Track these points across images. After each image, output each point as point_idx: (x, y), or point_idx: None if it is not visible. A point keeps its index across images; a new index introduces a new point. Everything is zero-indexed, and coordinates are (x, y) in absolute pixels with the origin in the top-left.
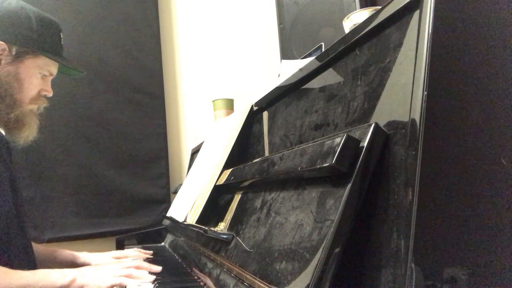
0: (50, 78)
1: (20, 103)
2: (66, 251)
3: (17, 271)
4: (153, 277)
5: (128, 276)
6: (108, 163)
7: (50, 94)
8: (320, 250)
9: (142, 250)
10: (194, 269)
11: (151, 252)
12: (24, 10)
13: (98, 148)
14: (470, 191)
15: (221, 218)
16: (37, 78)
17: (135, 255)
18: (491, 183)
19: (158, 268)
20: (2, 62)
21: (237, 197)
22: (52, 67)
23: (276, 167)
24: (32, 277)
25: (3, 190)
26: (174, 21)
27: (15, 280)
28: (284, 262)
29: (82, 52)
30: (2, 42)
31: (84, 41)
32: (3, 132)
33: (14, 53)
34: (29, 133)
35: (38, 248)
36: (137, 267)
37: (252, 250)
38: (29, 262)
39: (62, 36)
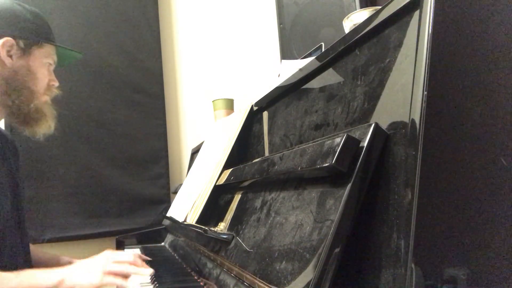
0: (53, 67)
1: (36, 94)
2: (68, 259)
3: (2, 273)
4: (148, 272)
5: (120, 273)
6: (108, 163)
7: (57, 84)
8: (320, 250)
9: (142, 256)
10: (194, 269)
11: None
12: (18, 5)
13: (98, 148)
14: (470, 191)
15: (221, 218)
16: (45, 68)
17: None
18: (491, 183)
19: (148, 271)
20: (14, 57)
21: (237, 197)
22: (54, 55)
23: (276, 167)
24: (14, 279)
25: (4, 194)
26: (174, 21)
27: (1, 283)
28: (284, 262)
29: (82, 52)
30: (9, 38)
31: (84, 41)
32: (26, 130)
33: (22, 46)
34: (49, 123)
35: (41, 253)
36: (132, 263)
37: (252, 250)
38: (26, 267)
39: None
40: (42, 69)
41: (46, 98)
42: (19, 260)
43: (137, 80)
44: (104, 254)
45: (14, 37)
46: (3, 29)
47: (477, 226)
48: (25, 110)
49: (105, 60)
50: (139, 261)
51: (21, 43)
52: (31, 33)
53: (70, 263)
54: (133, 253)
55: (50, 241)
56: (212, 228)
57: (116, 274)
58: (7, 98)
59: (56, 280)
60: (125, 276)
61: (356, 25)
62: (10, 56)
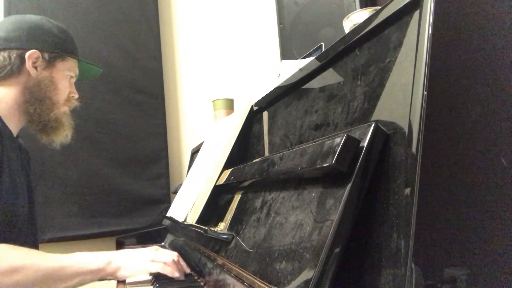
0: (74, 80)
1: (57, 104)
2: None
3: (53, 254)
4: (182, 275)
5: (164, 265)
6: (108, 163)
7: (77, 96)
8: (320, 250)
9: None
10: (194, 269)
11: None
12: (45, 20)
13: (98, 148)
14: (470, 191)
15: (221, 218)
16: (67, 80)
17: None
18: (491, 183)
19: (187, 270)
20: (38, 68)
21: (237, 197)
22: (76, 69)
23: (276, 167)
24: (67, 260)
25: (22, 194)
26: (174, 21)
27: (50, 261)
28: (284, 262)
29: (82, 52)
30: (36, 50)
31: (84, 41)
32: (44, 138)
33: (47, 58)
34: (67, 132)
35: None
36: (175, 262)
37: (252, 250)
38: None
39: None
40: (64, 81)
41: (65, 109)
42: None
43: (137, 80)
44: (149, 248)
45: (40, 50)
46: (31, 42)
47: (477, 226)
48: (45, 119)
49: (105, 60)
50: (181, 260)
51: (46, 56)
52: (56, 47)
53: None
54: (176, 254)
55: (50, 241)
56: (212, 228)
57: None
58: (29, 106)
59: (105, 261)
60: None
61: (356, 25)
62: (35, 68)
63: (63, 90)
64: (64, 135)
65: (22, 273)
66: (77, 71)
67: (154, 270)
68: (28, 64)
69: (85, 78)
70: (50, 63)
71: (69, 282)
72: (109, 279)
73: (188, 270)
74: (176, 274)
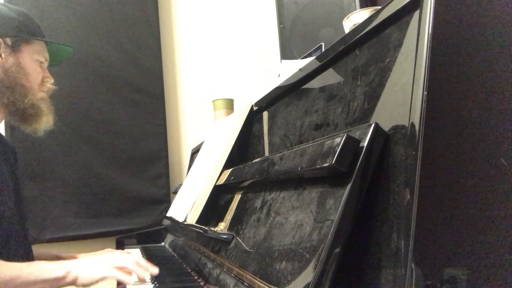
0: (46, 65)
1: (30, 90)
2: (68, 254)
3: (12, 263)
4: (148, 274)
5: (123, 269)
6: (108, 163)
7: (52, 80)
8: (320, 250)
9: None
10: (194, 269)
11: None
12: (1, 5)
13: (98, 148)
14: (469, 191)
15: (221, 218)
16: (37, 64)
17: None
18: (490, 183)
19: (155, 270)
20: (3, 55)
21: (237, 197)
22: (45, 52)
23: (276, 167)
24: (25, 269)
25: (8, 193)
26: (174, 21)
27: (8, 269)
28: (284, 262)
29: (82, 52)
30: None
31: (84, 41)
32: (27, 129)
33: (9, 44)
34: (48, 119)
35: (42, 251)
36: (136, 263)
37: (252, 250)
38: None
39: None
40: (34, 66)
41: (41, 95)
42: (22, 257)
43: (137, 80)
44: (108, 251)
45: (1, 36)
46: None
47: (477, 226)
48: (20, 106)
49: (105, 60)
50: (143, 261)
51: (9, 41)
52: (17, 31)
53: (72, 258)
54: (136, 254)
55: (50, 241)
56: (212, 228)
57: (121, 269)
58: (2, 96)
59: (64, 271)
60: (129, 272)
61: (356, 25)
62: (0, 55)
63: (35, 75)
64: (46, 121)
65: None
66: (46, 54)
67: (112, 276)
68: None
69: (59, 62)
70: (14, 48)
71: None
72: None
73: (155, 270)
74: (130, 279)
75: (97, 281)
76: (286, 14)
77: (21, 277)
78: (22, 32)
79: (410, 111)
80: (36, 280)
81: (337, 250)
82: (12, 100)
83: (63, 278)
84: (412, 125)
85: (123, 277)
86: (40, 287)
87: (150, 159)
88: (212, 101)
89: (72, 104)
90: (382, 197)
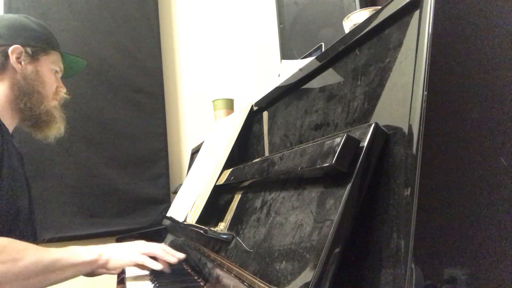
0: (60, 75)
1: (46, 97)
2: None
3: (49, 248)
4: (175, 259)
5: (152, 254)
6: (108, 163)
7: (65, 90)
8: (320, 250)
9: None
10: (194, 269)
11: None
12: (24, 17)
13: (98, 148)
14: (470, 191)
15: (221, 218)
16: (52, 73)
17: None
18: (491, 183)
19: (182, 255)
20: (23, 63)
21: (237, 197)
22: (60, 63)
23: (276, 167)
24: (62, 253)
25: (22, 192)
26: (174, 21)
27: (48, 254)
28: (284, 262)
29: (82, 52)
30: (19, 46)
31: (84, 41)
32: (38, 134)
33: (30, 53)
34: (59, 125)
35: None
36: (164, 251)
37: (252, 250)
38: None
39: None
40: (50, 75)
41: (54, 103)
42: None
43: (137, 80)
44: (138, 241)
45: (22, 45)
46: (13, 38)
47: (477, 226)
48: (36, 112)
49: (105, 60)
50: (169, 248)
51: (29, 50)
52: (38, 41)
53: None
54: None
55: (50, 241)
56: (212, 228)
57: (149, 255)
58: (19, 102)
59: (97, 253)
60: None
61: (356, 25)
62: (20, 63)
63: (50, 84)
64: (57, 128)
65: (22, 265)
66: (61, 65)
67: (140, 261)
68: (12, 59)
69: (73, 73)
70: (33, 57)
71: (65, 273)
72: (99, 273)
73: (182, 255)
74: (157, 266)
75: (126, 266)
76: (286, 14)
77: (61, 261)
78: (41, 43)
79: (410, 111)
80: (73, 263)
81: (337, 250)
82: (29, 106)
83: (96, 261)
84: (412, 125)
85: (151, 263)
86: (75, 270)
87: (150, 159)
88: (212, 101)
89: (72, 104)
90: (382, 197)
